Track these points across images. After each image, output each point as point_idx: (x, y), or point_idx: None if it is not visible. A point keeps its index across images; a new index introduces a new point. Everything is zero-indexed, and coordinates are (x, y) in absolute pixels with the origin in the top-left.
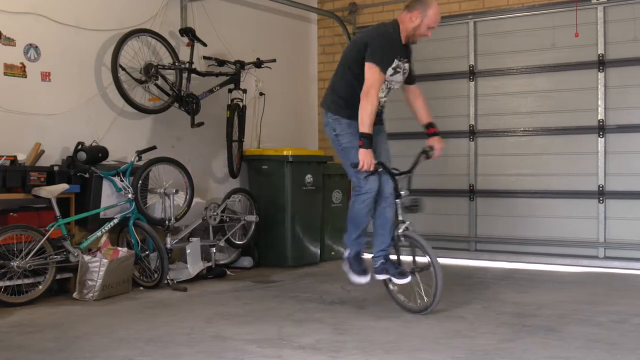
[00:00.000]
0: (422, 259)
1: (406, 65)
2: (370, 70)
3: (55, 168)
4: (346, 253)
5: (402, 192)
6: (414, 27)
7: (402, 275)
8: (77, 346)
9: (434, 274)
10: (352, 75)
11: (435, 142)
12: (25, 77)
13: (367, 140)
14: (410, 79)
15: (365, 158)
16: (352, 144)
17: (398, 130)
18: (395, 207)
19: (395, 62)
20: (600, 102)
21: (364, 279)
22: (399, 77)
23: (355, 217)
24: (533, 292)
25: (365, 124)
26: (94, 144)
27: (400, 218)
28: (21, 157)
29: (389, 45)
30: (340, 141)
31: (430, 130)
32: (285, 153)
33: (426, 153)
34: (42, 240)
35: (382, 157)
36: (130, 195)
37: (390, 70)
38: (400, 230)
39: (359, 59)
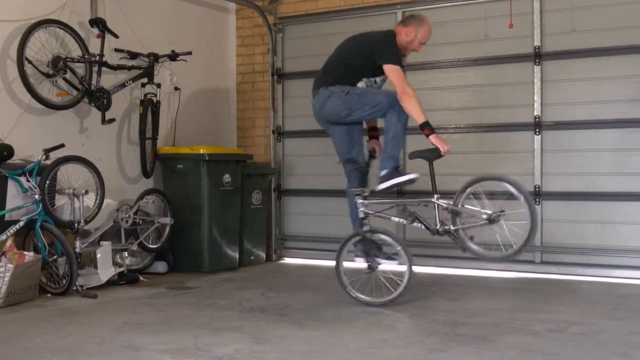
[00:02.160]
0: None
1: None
2: (395, 72)
3: None
4: (386, 171)
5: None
6: (408, 41)
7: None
8: None
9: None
10: (361, 59)
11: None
12: None
13: (429, 126)
14: None
15: (440, 141)
16: (364, 90)
17: None
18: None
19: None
20: (537, 98)
21: (413, 175)
22: (380, 79)
23: (402, 130)
24: (465, 300)
25: (419, 114)
26: None
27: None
28: None
29: (398, 49)
30: (354, 92)
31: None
32: (201, 151)
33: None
34: None
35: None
36: (37, 196)
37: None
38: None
39: (370, 53)
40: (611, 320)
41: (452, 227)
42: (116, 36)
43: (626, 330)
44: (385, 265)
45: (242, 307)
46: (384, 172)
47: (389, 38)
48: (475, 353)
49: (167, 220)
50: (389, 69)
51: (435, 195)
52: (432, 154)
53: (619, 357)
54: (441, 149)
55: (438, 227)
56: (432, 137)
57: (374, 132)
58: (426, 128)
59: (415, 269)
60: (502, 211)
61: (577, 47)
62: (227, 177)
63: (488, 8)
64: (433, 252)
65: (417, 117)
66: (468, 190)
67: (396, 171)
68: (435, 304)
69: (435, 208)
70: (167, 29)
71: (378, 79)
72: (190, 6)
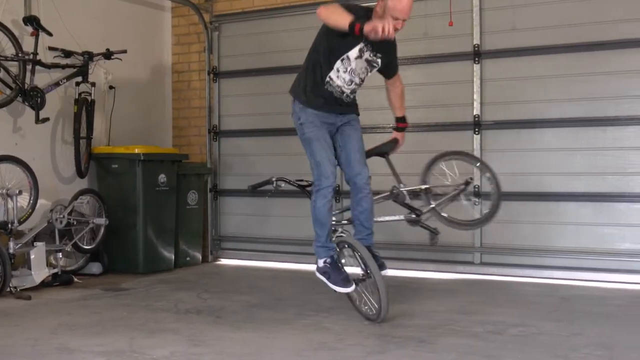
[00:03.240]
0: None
1: (378, 60)
2: (320, 13)
3: None
4: (320, 262)
5: None
6: (378, 17)
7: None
8: None
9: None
10: (315, 60)
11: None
12: None
13: (360, 22)
14: (388, 74)
15: (374, 25)
16: (314, 133)
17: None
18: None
19: (361, 44)
20: (476, 97)
21: (348, 288)
22: (362, 65)
23: (319, 215)
24: (403, 301)
25: (339, 19)
26: None
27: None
28: None
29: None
30: (304, 130)
31: (399, 125)
32: (136, 151)
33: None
34: None
35: (350, 155)
36: None
37: (355, 51)
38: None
39: (322, 40)
40: (551, 322)
41: (433, 204)
42: (50, 34)
43: (566, 332)
44: None
45: (177, 309)
46: (320, 266)
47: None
48: (414, 355)
49: (102, 220)
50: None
51: (401, 185)
52: (387, 148)
53: (560, 359)
54: (379, 30)
55: (423, 210)
56: (365, 27)
57: (400, 124)
58: (357, 23)
59: (349, 269)
60: (471, 178)
61: (517, 46)
62: (162, 177)
63: (428, 5)
64: None
65: (341, 23)
66: (431, 168)
67: (331, 266)
68: None
69: (406, 195)
70: (102, 27)
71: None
72: (125, 4)
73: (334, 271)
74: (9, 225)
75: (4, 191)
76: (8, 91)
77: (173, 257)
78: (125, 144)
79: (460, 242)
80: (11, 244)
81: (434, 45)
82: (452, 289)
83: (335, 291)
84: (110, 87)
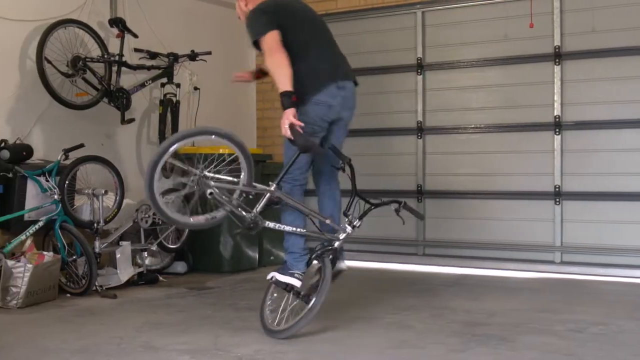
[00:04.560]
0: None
1: None
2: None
3: None
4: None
5: None
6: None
7: None
8: None
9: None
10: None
11: None
12: None
13: (288, 98)
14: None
15: (284, 119)
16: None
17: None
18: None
19: None
20: (557, 97)
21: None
22: None
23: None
24: (485, 300)
25: (281, 78)
26: (17, 142)
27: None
28: None
29: None
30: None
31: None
32: (221, 151)
33: None
34: None
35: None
36: (56, 196)
37: None
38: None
39: None
40: (633, 321)
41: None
42: (136, 36)
43: None
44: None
45: None
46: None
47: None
48: (495, 353)
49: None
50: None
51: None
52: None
53: None
54: (282, 127)
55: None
56: (283, 116)
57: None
58: (284, 98)
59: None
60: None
61: (597, 47)
62: None
63: (509, 8)
64: (453, 252)
65: (280, 82)
66: None
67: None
68: (455, 304)
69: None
70: (186, 28)
71: None
72: (210, 6)
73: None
74: (95, 225)
75: (90, 191)
76: (94, 92)
77: (257, 256)
78: (209, 144)
79: (540, 241)
80: (97, 243)
81: (515, 47)
82: (532, 287)
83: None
84: (195, 88)
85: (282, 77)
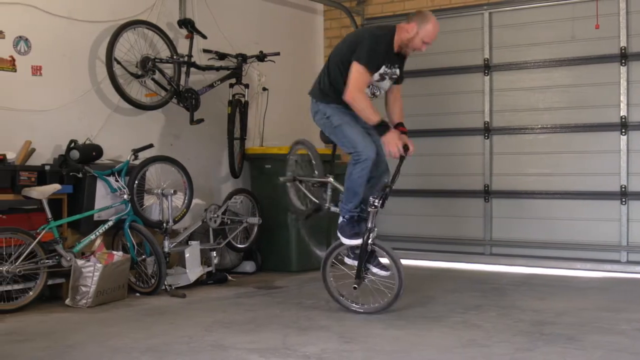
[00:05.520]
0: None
1: (396, 71)
2: (355, 70)
3: (47, 167)
4: (340, 219)
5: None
6: (409, 38)
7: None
8: (69, 356)
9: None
10: (339, 72)
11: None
12: (15, 71)
13: (381, 128)
14: (398, 79)
15: (391, 141)
16: (342, 119)
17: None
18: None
19: (383, 69)
20: (623, 98)
21: (354, 241)
22: (386, 84)
23: (354, 186)
24: (552, 299)
25: (369, 116)
26: (87, 142)
27: (370, 225)
28: (10, 155)
29: (378, 49)
30: (332, 121)
31: (400, 129)
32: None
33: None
34: (33, 244)
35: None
36: (125, 196)
37: (376, 76)
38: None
39: (349, 56)
40: None
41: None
42: (204, 37)
43: None
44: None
45: (328, 307)
46: (340, 221)
47: (375, 37)
48: (562, 352)
49: (256, 220)
50: (353, 65)
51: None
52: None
53: None
54: (391, 152)
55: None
56: (383, 138)
57: (401, 128)
58: (376, 129)
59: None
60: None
61: None
62: None
63: (575, 9)
64: (520, 252)
65: (367, 119)
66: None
67: (349, 224)
68: (522, 304)
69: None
70: (255, 29)
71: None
72: (279, 7)
73: (348, 225)
74: (164, 225)
75: (159, 191)
76: (163, 93)
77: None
78: (278, 144)
79: (607, 241)
80: (166, 243)
81: (581, 48)
82: (599, 287)
83: (344, 244)
84: (264, 89)
85: (369, 114)
